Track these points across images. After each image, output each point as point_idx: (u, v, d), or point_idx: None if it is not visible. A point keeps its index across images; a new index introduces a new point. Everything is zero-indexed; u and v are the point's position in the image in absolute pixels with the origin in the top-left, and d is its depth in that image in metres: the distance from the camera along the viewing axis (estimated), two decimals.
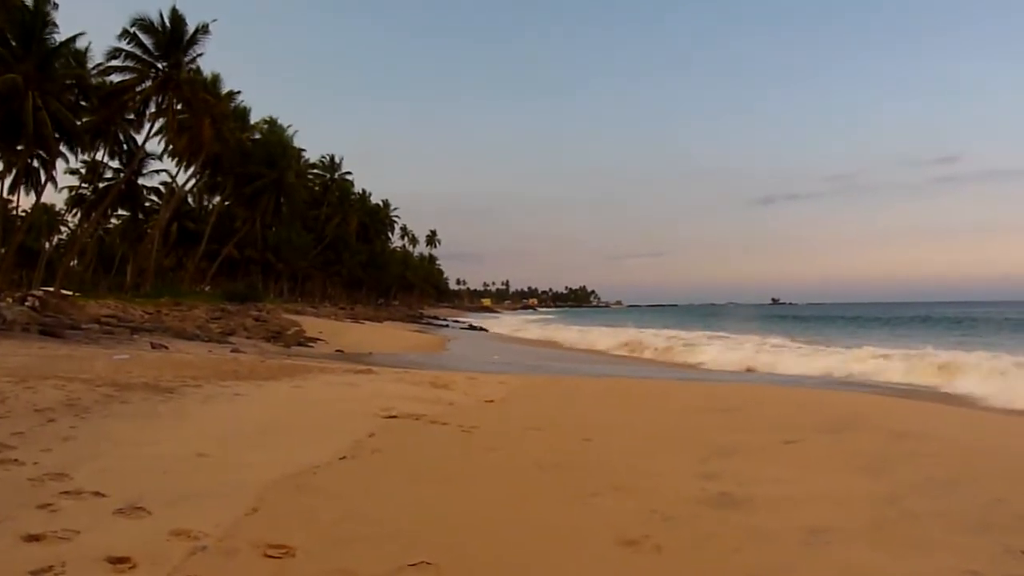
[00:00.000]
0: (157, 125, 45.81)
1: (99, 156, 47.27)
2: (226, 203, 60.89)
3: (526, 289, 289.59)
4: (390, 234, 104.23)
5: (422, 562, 3.69)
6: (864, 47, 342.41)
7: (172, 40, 41.91)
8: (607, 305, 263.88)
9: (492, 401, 10.48)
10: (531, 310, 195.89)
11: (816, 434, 8.19)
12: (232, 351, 19.77)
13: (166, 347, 18.48)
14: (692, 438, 7.82)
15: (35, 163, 40.84)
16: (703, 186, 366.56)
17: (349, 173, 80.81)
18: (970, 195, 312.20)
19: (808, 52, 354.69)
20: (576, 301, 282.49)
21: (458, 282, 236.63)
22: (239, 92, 54.32)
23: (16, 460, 5.32)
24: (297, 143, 67.13)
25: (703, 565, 3.88)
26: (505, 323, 69.85)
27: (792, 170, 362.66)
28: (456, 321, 78.89)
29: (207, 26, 42.73)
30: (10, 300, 21.61)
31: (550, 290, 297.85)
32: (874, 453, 7.09)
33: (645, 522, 4.55)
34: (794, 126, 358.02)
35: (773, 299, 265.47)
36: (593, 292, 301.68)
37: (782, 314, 61.20)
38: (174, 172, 53.16)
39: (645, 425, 8.96)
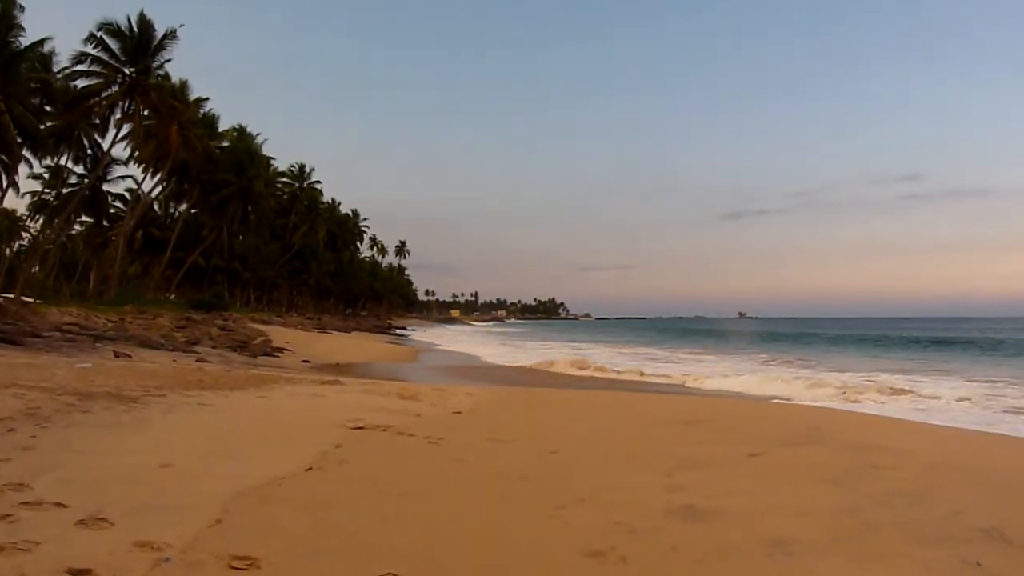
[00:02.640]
0: (123, 131, 45.20)
1: (63, 161, 46.56)
2: (193, 211, 60.16)
3: (495, 301, 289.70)
4: (359, 244, 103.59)
5: (388, 573, 3.69)
6: (832, 67, 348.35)
7: (140, 45, 41.38)
8: (576, 317, 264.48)
9: (460, 413, 10.47)
10: (499, 322, 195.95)
11: (780, 447, 8.30)
12: (197, 360, 19.54)
13: (130, 356, 18.22)
14: (658, 450, 7.88)
15: None
16: (674, 200, 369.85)
17: (318, 182, 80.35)
18: (933, 213, 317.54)
19: (778, 71, 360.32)
20: (545, 313, 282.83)
21: (427, 293, 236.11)
22: (207, 99, 53.89)
23: None
24: (266, 151, 66.67)
25: None
26: (450, 337, 69.57)
27: (760, 186, 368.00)
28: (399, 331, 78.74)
29: (175, 31, 42.28)
30: None
31: (519, 302, 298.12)
32: (836, 466, 7.19)
33: (611, 534, 4.58)
34: (763, 142, 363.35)
35: (740, 313, 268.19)
36: (562, 304, 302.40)
37: (757, 330, 61.85)
38: (140, 179, 52.48)
39: (611, 437, 9.01)
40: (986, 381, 20.53)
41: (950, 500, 5.87)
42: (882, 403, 14.83)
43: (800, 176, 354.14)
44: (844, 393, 16.83)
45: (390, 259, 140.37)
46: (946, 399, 15.44)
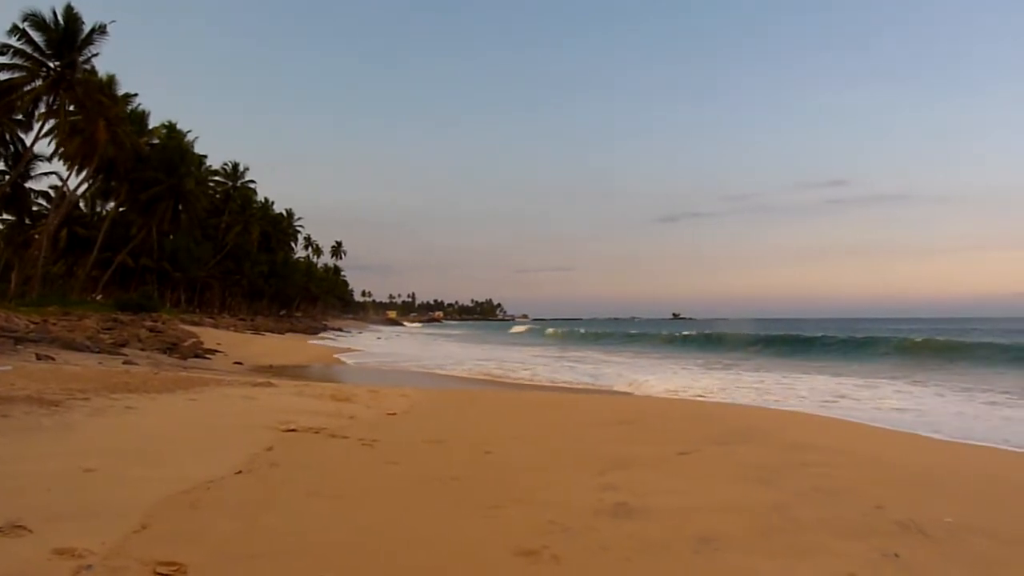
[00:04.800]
0: (48, 126, 43.72)
1: None
2: (121, 209, 58.50)
3: (433, 302, 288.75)
4: (293, 244, 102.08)
5: None
6: (762, 74, 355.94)
7: (66, 38, 40.10)
8: (513, 318, 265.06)
9: (394, 414, 10.42)
10: (437, 323, 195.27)
11: (710, 446, 8.46)
12: (125, 363, 19.01)
13: (53, 358, 17.63)
14: (591, 450, 7.95)
15: None
16: (611, 203, 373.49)
17: (252, 182, 78.97)
18: (857, 217, 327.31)
19: (711, 77, 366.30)
20: (483, 314, 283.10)
21: (364, 294, 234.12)
22: (136, 95, 52.59)
23: None
24: (198, 150, 65.34)
25: (599, 574, 3.96)
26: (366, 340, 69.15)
27: (695, 190, 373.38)
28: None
29: (104, 26, 41.10)
30: None
31: (456, 303, 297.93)
32: (764, 464, 7.36)
33: (544, 533, 4.61)
34: (697, 148, 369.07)
35: (674, 314, 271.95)
36: (499, 305, 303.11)
37: (692, 331, 62.91)
38: (65, 176, 50.85)
39: (546, 438, 9.07)
40: (902, 381, 21.23)
41: (872, 495, 6.06)
42: (809, 402, 15.19)
43: (733, 181, 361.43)
44: (771, 393, 17.23)
45: (326, 260, 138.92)
46: (870, 399, 15.92)
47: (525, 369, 25.68)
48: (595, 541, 4.52)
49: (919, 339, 34.86)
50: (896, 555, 4.43)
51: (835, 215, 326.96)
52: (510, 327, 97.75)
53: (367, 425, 9.19)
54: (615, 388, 18.61)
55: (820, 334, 41.43)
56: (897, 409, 13.83)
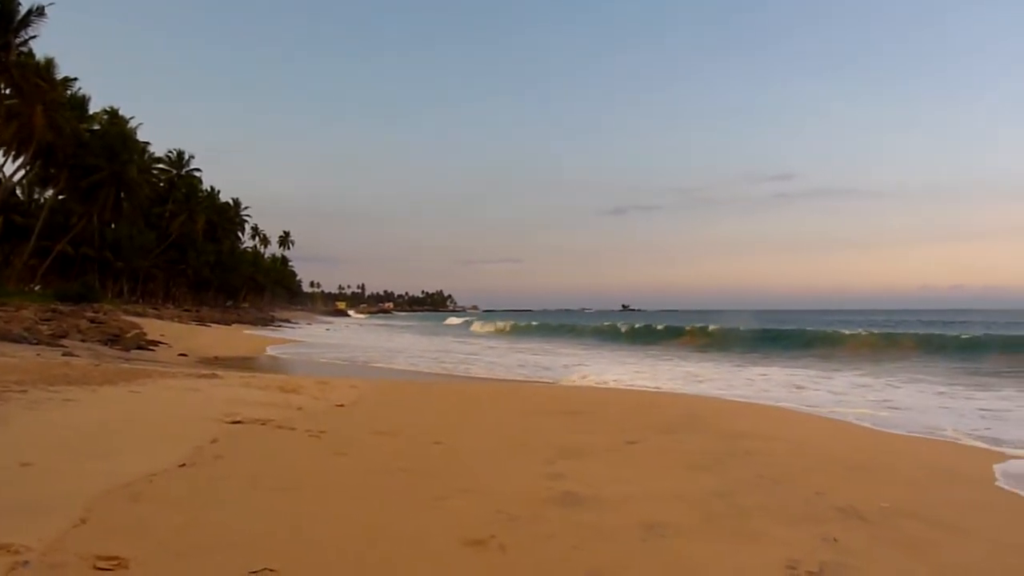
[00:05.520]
0: None
1: None
2: (60, 197, 56.98)
3: (382, 293, 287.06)
4: (240, 234, 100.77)
5: (265, 569, 3.62)
6: (710, 67, 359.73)
7: (0, 19, 38.90)
8: (463, 309, 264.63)
9: (343, 405, 10.34)
10: (387, 314, 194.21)
11: (656, 434, 8.58)
12: (64, 354, 18.53)
13: None
14: (539, 440, 8.00)
15: None
16: (560, 195, 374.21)
17: (198, 170, 77.64)
18: (803, 211, 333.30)
19: (660, 71, 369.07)
20: (433, 305, 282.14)
21: (312, 284, 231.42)
22: (76, 79, 51.27)
23: None
24: (141, 137, 64.00)
25: (546, 562, 4.00)
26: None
27: (644, 183, 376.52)
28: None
29: (42, 8, 40.01)
30: None
31: (407, 294, 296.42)
32: (709, 452, 7.50)
33: (491, 522, 4.63)
34: (646, 141, 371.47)
35: (624, 305, 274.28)
36: (450, 297, 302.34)
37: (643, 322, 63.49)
38: (0, 162, 49.34)
39: (495, 428, 9.10)
40: (844, 372, 21.75)
41: (812, 482, 6.22)
42: (753, 391, 15.47)
43: (681, 174, 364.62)
44: (717, 382, 17.52)
45: (273, 250, 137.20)
46: (813, 389, 16.27)
47: (475, 360, 25.71)
48: (542, 530, 4.55)
49: (863, 332, 35.59)
50: (835, 539, 4.56)
51: (782, 209, 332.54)
52: (445, 319, 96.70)
53: (315, 416, 9.11)
54: (564, 379, 18.72)
55: (768, 327, 42.16)
56: (838, 399, 14.16)
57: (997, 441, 8.83)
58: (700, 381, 18.09)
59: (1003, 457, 7.69)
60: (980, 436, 9.20)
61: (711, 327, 42.06)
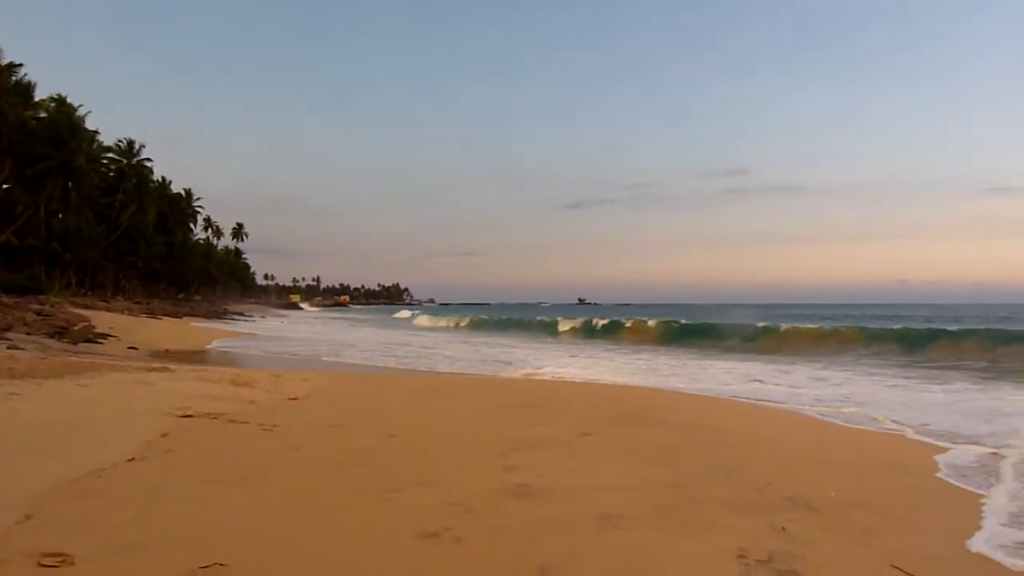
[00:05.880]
0: None
1: None
2: (4, 186, 55.43)
3: (338, 286, 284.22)
4: (192, 225, 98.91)
5: (215, 564, 3.58)
6: (664, 63, 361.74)
7: None
8: (420, 303, 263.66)
9: (296, 399, 10.26)
10: (342, 307, 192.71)
11: (611, 427, 8.65)
12: (9, 347, 18.08)
13: None
14: (495, 433, 8.02)
15: None
16: (518, 189, 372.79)
17: (149, 160, 75.84)
18: (756, 206, 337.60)
19: (614, 67, 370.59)
20: (389, 299, 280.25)
21: (267, 277, 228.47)
22: (21, 65, 49.77)
23: None
24: (90, 125, 62.44)
25: (500, 554, 4.01)
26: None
27: (600, 177, 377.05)
28: None
29: None
30: None
31: (363, 287, 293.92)
32: (662, 444, 7.58)
33: (446, 515, 4.63)
34: (602, 135, 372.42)
35: (580, 299, 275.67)
36: (406, 290, 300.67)
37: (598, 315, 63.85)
38: None
39: (450, 421, 9.10)
40: (797, 365, 22.15)
41: (762, 473, 6.33)
42: (706, 384, 15.67)
43: (638, 169, 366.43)
44: (671, 375, 17.73)
45: (226, 242, 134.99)
46: (765, 382, 16.53)
47: (431, 354, 25.66)
48: (498, 522, 4.57)
49: (824, 327, 36.21)
50: (784, 528, 4.64)
51: (734, 204, 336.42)
52: (397, 311, 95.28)
53: (267, 410, 9.02)
54: (520, 372, 18.77)
55: (722, 321, 42.62)
56: (794, 392, 14.40)
57: (942, 434, 9.05)
58: (657, 375, 18.27)
59: (945, 449, 7.89)
60: (926, 429, 9.42)
61: (667, 320, 42.42)
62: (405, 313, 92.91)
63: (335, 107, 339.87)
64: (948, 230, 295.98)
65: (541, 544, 4.19)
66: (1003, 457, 7.41)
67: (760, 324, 34.91)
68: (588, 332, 43.84)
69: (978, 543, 4.58)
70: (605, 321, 44.13)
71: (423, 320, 67.81)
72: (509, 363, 21.75)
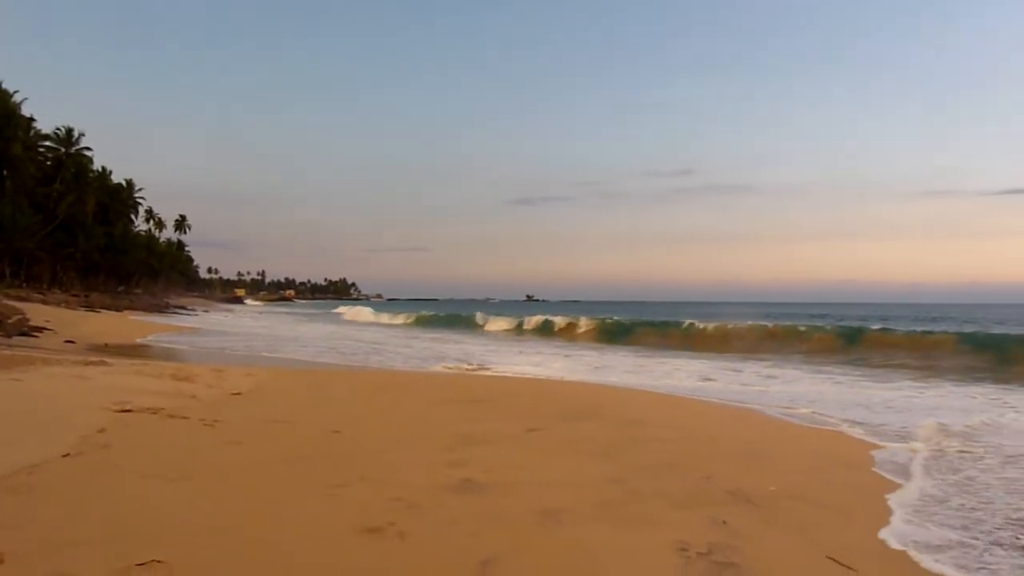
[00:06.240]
0: None
1: None
2: None
3: (284, 280, 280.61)
4: (134, 216, 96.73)
5: (152, 561, 3.51)
6: (611, 61, 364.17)
7: None
8: (367, 298, 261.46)
9: (239, 394, 10.10)
10: (288, 302, 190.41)
11: (557, 423, 8.69)
12: None
13: None
14: (440, 429, 7.99)
15: None
16: (467, 185, 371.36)
17: (88, 149, 73.99)
18: (704, 205, 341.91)
19: (566, 62, 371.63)
20: (336, 293, 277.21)
21: (210, 271, 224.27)
22: None
23: None
24: (27, 112, 60.69)
25: (443, 549, 4.00)
26: None
27: (549, 174, 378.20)
28: None
29: None
30: None
31: (309, 281, 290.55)
32: (608, 440, 7.65)
33: (390, 510, 4.61)
34: (551, 133, 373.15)
35: (528, 296, 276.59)
36: (354, 285, 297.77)
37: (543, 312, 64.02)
38: None
39: (396, 417, 9.05)
40: (743, 363, 22.52)
41: (704, 468, 6.42)
42: (651, 381, 15.84)
43: (587, 166, 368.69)
44: (615, 372, 17.88)
45: (169, 234, 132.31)
46: (710, 378, 16.78)
47: (379, 350, 25.48)
48: (442, 516, 4.56)
49: (761, 324, 36.74)
50: (724, 522, 4.72)
51: (681, 203, 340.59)
52: (343, 306, 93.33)
53: (209, 405, 8.87)
54: (467, 368, 18.75)
55: (667, 319, 43.05)
56: (742, 389, 14.63)
57: (878, 429, 9.29)
58: (605, 371, 18.41)
59: (879, 446, 8.09)
60: (864, 425, 9.66)
61: (617, 319, 42.68)
62: (350, 308, 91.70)
63: (284, 99, 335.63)
64: (890, 231, 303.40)
65: (484, 539, 4.19)
66: (939, 453, 7.66)
67: (713, 325, 35.15)
68: (538, 329, 43.85)
69: (895, 536, 4.73)
70: (558, 319, 44.08)
71: (368, 315, 66.94)
72: (456, 359, 21.70)
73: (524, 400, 11.09)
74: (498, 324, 48.07)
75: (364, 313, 69.23)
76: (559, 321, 43.60)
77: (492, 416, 9.09)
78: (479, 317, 52.41)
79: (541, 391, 12.87)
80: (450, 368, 18.37)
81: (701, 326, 35.36)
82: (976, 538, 4.72)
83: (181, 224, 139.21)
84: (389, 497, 4.90)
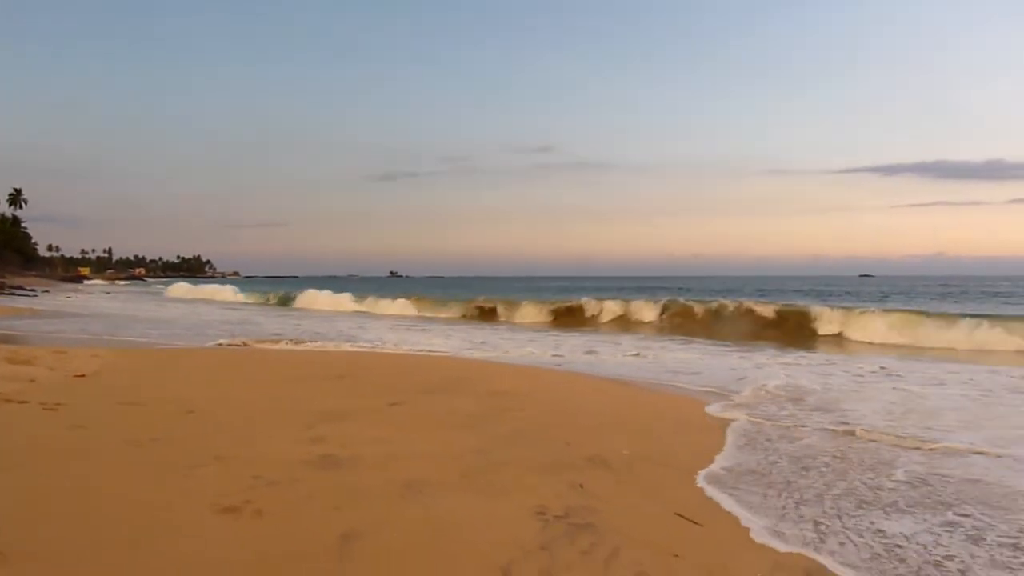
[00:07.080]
0: None
1: None
2: None
3: (133, 258, 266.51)
4: None
5: None
6: (470, 37, 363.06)
7: None
8: (224, 276, 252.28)
9: (83, 376, 9.57)
10: (140, 280, 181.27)
11: (420, 395, 8.71)
12: None
13: None
14: (300, 406, 7.85)
15: None
16: (330, 159, 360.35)
17: None
18: (565, 182, 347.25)
19: (429, 36, 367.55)
20: (190, 271, 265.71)
21: (51, 248, 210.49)
22: None
23: None
24: None
25: (302, 524, 3.95)
26: None
27: (412, 149, 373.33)
28: None
29: None
30: None
31: (160, 259, 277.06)
32: (471, 411, 7.74)
33: (247, 489, 4.51)
34: (413, 108, 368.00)
35: (392, 272, 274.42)
36: (209, 262, 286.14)
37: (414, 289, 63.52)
38: None
39: (253, 395, 8.81)
40: (607, 335, 23.19)
41: (563, 435, 6.62)
42: (511, 354, 16.10)
43: (449, 142, 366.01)
44: (478, 345, 18.07)
45: (3, 210, 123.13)
46: (568, 351, 17.22)
47: (237, 328, 24.67)
48: (301, 492, 4.50)
49: (645, 300, 37.62)
50: (581, 486, 4.89)
51: (542, 179, 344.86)
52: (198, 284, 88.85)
53: (50, 388, 8.36)
54: (330, 344, 18.44)
55: (537, 297, 43.57)
56: (588, 358, 15.07)
57: (722, 395, 9.83)
58: (473, 347, 18.52)
59: (729, 418, 8.56)
60: (710, 387, 10.21)
61: (485, 299, 42.85)
62: (207, 287, 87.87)
63: (131, 68, 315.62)
64: (738, 207, 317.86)
65: (344, 512, 4.17)
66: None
67: (582, 299, 35.67)
68: (410, 306, 43.34)
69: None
70: (428, 298, 43.64)
71: (228, 294, 64.14)
72: (322, 334, 21.31)
73: (386, 374, 11.04)
74: (363, 300, 47.10)
75: (223, 292, 66.21)
76: (428, 296, 43.35)
77: (354, 391, 9.01)
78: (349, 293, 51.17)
79: (402, 364, 12.84)
80: (314, 344, 17.99)
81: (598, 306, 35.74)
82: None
83: (16, 199, 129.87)
84: (246, 475, 4.80)
